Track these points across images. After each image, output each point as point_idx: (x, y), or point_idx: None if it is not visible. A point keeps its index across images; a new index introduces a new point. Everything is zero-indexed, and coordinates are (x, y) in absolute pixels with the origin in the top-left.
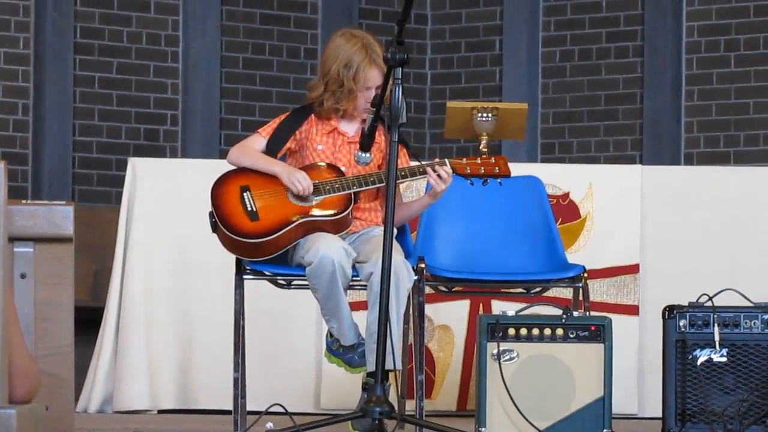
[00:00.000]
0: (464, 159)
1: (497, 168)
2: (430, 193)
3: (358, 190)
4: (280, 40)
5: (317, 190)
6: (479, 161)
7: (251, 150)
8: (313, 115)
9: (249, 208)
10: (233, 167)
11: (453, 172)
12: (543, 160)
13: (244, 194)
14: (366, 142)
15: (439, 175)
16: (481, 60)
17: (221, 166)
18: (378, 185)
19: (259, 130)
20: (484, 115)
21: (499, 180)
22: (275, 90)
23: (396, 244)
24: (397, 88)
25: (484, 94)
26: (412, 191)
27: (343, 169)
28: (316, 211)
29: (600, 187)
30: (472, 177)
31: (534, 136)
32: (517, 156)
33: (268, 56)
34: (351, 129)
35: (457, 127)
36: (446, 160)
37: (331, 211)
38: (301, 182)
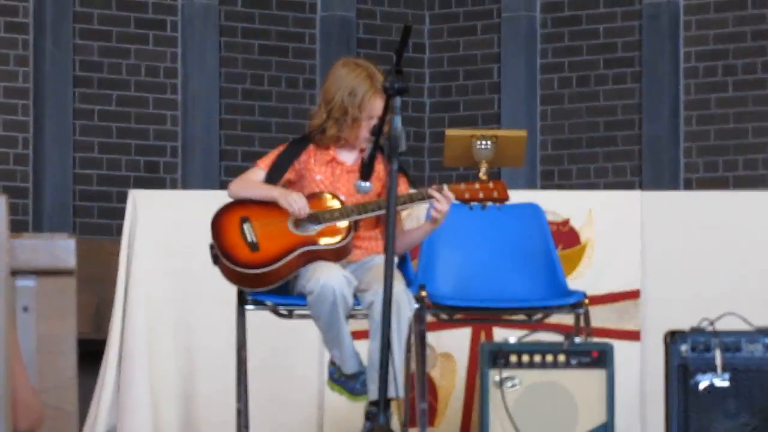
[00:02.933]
0: (462, 184)
1: (495, 192)
2: (430, 220)
3: (358, 217)
4: (278, 70)
5: (317, 219)
6: (477, 186)
7: (251, 181)
8: (311, 145)
9: (249, 239)
10: (233, 199)
11: (452, 198)
12: (543, 187)
13: (244, 225)
14: (366, 170)
15: (438, 199)
16: (480, 88)
17: (221, 197)
18: (378, 212)
19: (258, 162)
20: (483, 142)
21: (497, 205)
22: (274, 120)
23: (397, 273)
24: (396, 117)
25: (482, 121)
26: (412, 220)
27: (343, 198)
28: (316, 240)
29: (600, 213)
30: (471, 202)
31: (533, 163)
32: (516, 183)
33: (267, 87)
34: (349, 158)
35: (456, 155)
36: (445, 186)
37: (332, 240)
38: (297, 202)
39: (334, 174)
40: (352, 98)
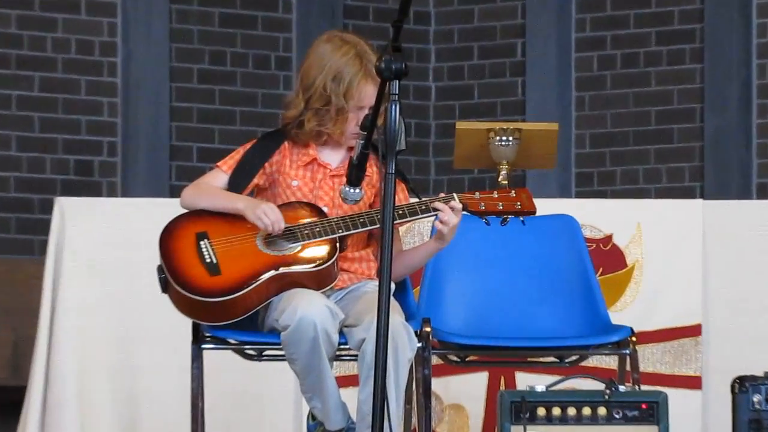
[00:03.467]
0: (477, 193)
1: (519, 203)
2: (435, 237)
3: (345, 234)
4: (244, 46)
5: (293, 236)
6: (496, 195)
7: (209, 188)
8: (286, 143)
9: (208, 260)
10: (185, 210)
11: (463, 210)
12: (578, 195)
13: (201, 243)
14: (355, 174)
15: (445, 211)
16: (499, 69)
17: (172, 207)
18: (370, 228)
19: (219, 164)
20: (504, 138)
21: (521, 218)
22: (239, 110)
23: (394, 303)
24: (393, 107)
25: (503, 112)
26: (413, 235)
27: (325, 209)
28: (292, 262)
29: (651, 227)
30: (488, 215)
31: (567, 164)
32: (545, 190)
33: (229, 67)
34: (334, 159)
35: (469, 155)
36: (454, 194)
37: (312, 262)
38: (268, 215)
39: (315, 179)
40: (336, 83)
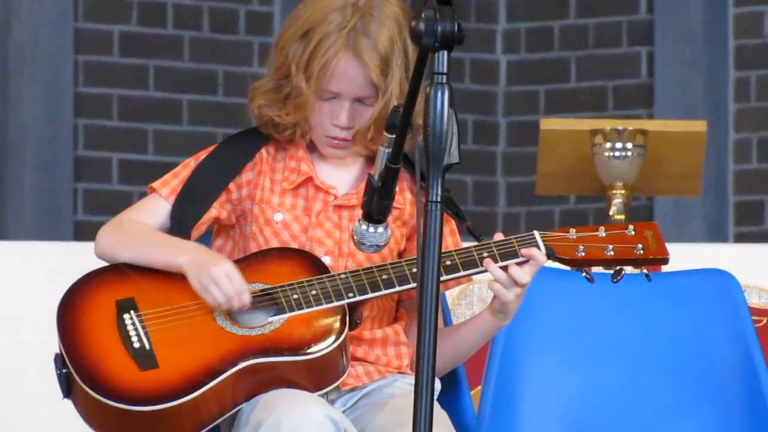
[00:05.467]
0: (573, 230)
1: (641, 247)
2: (491, 306)
3: (359, 300)
4: None
5: (274, 304)
6: (603, 234)
7: (138, 228)
8: (264, 151)
9: (137, 345)
10: (104, 263)
11: (551, 257)
12: (739, 238)
13: (126, 317)
14: (376, 205)
15: (516, 269)
16: (611, 32)
17: (79, 257)
18: (399, 290)
19: (156, 186)
20: (618, 146)
21: (645, 272)
22: (186, 99)
23: (440, 413)
24: (438, 94)
25: (616, 103)
26: (470, 304)
27: (327, 260)
28: (272, 347)
29: None
30: (589, 265)
31: (720, 188)
32: (687, 229)
33: (171, 29)
34: (342, 179)
35: (561, 173)
36: (536, 233)
37: (304, 347)
38: (221, 284)
39: (311, 211)
40: (301, 45)
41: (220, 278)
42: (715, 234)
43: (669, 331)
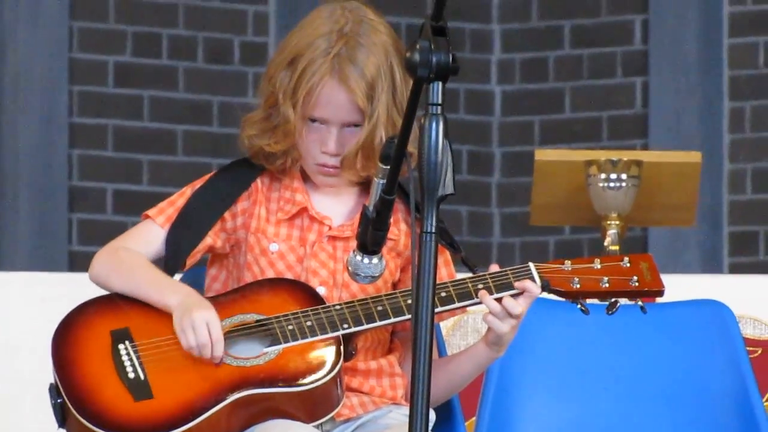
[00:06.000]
0: (568, 263)
1: (636, 279)
2: (487, 339)
3: (354, 331)
4: (191, 26)
5: (269, 334)
6: (599, 266)
7: (131, 258)
8: (259, 181)
9: (131, 375)
10: (99, 289)
11: (546, 289)
12: (734, 269)
13: (121, 347)
14: (371, 236)
15: (509, 301)
16: (606, 62)
17: (74, 287)
18: (394, 321)
19: (151, 214)
20: (613, 177)
21: (640, 303)
22: (182, 129)
23: None
24: (433, 125)
25: (611, 133)
26: (464, 335)
27: (321, 290)
28: (267, 378)
29: None
30: (584, 297)
31: (715, 218)
32: (681, 260)
33: (166, 60)
34: (337, 210)
35: (556, 203)
36: (531, 265)
37: (299, 378)
38: (196, 329)
39: (306, 241)
40: (288, 71)
41: (199, 324)
42: (710, 264)
43: (663, 361)
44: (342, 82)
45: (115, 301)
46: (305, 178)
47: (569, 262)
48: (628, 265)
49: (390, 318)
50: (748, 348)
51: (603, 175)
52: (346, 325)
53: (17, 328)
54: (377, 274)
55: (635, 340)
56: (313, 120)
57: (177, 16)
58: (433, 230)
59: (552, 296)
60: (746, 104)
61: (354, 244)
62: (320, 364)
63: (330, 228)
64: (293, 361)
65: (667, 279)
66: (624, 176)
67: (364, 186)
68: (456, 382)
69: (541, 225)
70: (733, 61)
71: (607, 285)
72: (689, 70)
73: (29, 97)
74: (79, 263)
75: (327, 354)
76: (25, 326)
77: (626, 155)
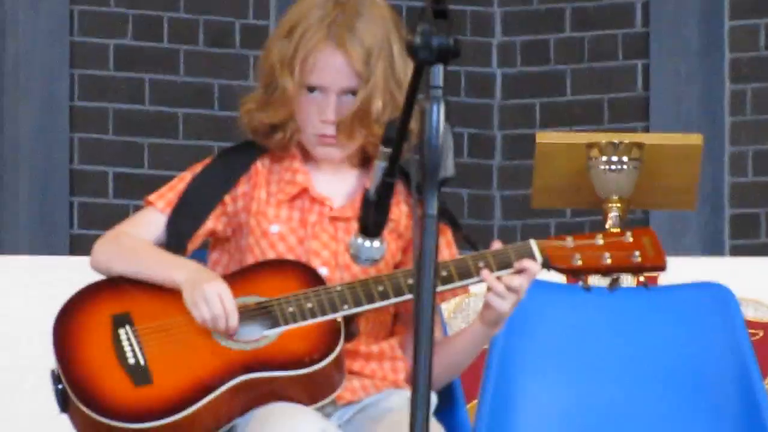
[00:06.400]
0: (570, 239)
1: (638, 254)
2: (482, 314)
3: (355, 312)
4: (192, 10)
5: (270, 317)
6: (601, 242)
7: (133, 242)
8: (259, 163)
9: (131, 361)
10: (100, 276)
11: (546, 266)
12: (735, 251)
13: (121, 331)
14: (372, 217)
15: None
16: (607, 45)
17: (76, 269)
18: (395, 301)
19: (152, 199)
20: (615, 159)
21: (643, 279)
22: (182, 112)
23: (436, 427)
24: (434, 108)
25: (612, 116)
26: (467, 316)
27: (323, 271)
28: (268, 361)
29: None
30: (586, 274)
31: (717, 201)
32: (683, 242)
33: (166, 43)
34: (337, 191)
35: (557, 186)
36: (531, 242)
37: (300, 360)
38: (210, 302)
39: (306, 223)
40: (284, 44)
41: (211, 296)
42: (711, 247)
43: (665, 344)
44: (339, 46)
45: (116, 284)
46: (305, 159)
47: (571, 238)
48: (631, 240)
49: (391, 298)
50: (749, 330)
51: (604, 158)
52: (346, 306)
53: (18, 312)
54: (378, 257)
55: (636, 322)
56: (311, 89)
57: (178, 0)
58: (434, 212)
59: (553, 273)
60: (747, 87)
61: (355, 225)
62: (320, 347)
63: (331, 209)
64: (293, 343)
65: (668, 261)
66: (625, 159)
67: (365, 167)
68: (456, 363)
69: (542, 208)
70: (734, 44)
71: (609, 261)
72: (690, 53)
73: (30, 80)
74: (80, 247)
75: (327, 336)
76: (26, 310)
77: (627, 138)
